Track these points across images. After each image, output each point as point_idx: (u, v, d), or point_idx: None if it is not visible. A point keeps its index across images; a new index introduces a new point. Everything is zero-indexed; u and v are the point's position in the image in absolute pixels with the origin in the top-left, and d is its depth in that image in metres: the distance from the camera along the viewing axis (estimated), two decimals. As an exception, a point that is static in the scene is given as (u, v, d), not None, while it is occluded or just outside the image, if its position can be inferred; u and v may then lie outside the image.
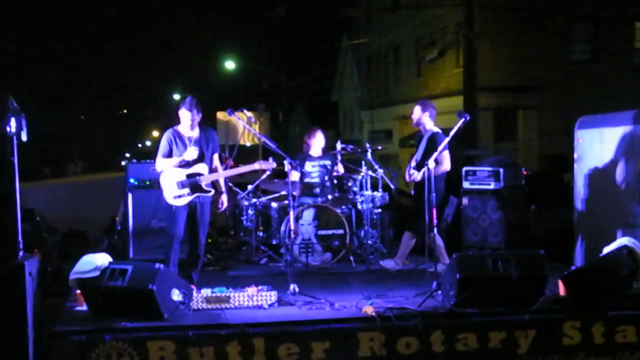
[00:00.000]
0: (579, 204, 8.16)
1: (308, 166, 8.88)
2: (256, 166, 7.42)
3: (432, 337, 5.55)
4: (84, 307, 5.88)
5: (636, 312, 5.87)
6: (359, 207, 8.75)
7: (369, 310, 5.67)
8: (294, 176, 8.29)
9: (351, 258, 8.43)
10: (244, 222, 8.85)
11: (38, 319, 5.57)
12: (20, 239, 5.43)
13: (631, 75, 23.04)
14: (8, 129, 5.38)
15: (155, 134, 49.01)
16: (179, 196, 6.96)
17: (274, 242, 8.75)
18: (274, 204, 8.81)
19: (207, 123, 7.43)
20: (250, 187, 8.88)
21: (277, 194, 9.04)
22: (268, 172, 8.53)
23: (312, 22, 37.12)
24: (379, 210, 8.87)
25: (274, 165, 7.46)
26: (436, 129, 7.98)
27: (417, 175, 7.74)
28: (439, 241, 7.66)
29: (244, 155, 11.89)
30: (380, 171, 8.89)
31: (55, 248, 9.45)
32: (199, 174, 7.01)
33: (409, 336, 5.54)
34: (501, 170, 8.74)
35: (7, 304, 5.25)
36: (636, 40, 23.78)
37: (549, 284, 6.06)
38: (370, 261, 8.40)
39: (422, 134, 8.05)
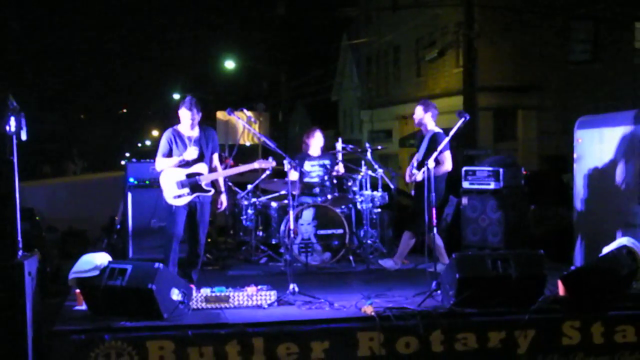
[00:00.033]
0: (578, 204, 8.16)
1: (307, 166, 8.88)
2: (256, 165, 7.43)
3: (431, 337, 5.55)
4: (84, 307, 5.87)
5: (636, 312, 5.87)
6: (359, 206, 8.74)
7: (368, 310, 5.67)
8: (294, 176, 8.29)
9: (351, 258, 8.43)
10: (244, 222, 8.86)
11: (37, 318, 5.56)
12: (19, 238, 5.42)
13: (631, 75, 22.99)
14: (8, 128, 5.37)
15: (155, 133, 48.93)
16: (179, 196, 6.95)
17: (274, 242, 8.75)
18: (274, 204, 8.81)
19: (207, 122, 7.43)
20: (249, 186, 8.89)
21: (276, 194, 9.05)
22: (268, 172, 8.54)
23: (312, 21, 37.06)
24: (379, 210, 8.87)
25: (274, 164, 7.47)
26: (438, 129, 7.98)
27: (418, 175, 7.74)
28: (439, 241, 7.66)
29: (244, 154, 11.92)
30: (380, 171, 8.89)
31: (54, 247, 9.46)
32: (199, 174, 7.01)
33: (409, 336, 5.53)
34: (501, 170, 8.74)
35: (7, 303, 5.23)
36: (636, 40, 23.77)
37: (549, 283, 6.07)
38: (369, 261, 8.39)
39: (424, 134, 8.05)
